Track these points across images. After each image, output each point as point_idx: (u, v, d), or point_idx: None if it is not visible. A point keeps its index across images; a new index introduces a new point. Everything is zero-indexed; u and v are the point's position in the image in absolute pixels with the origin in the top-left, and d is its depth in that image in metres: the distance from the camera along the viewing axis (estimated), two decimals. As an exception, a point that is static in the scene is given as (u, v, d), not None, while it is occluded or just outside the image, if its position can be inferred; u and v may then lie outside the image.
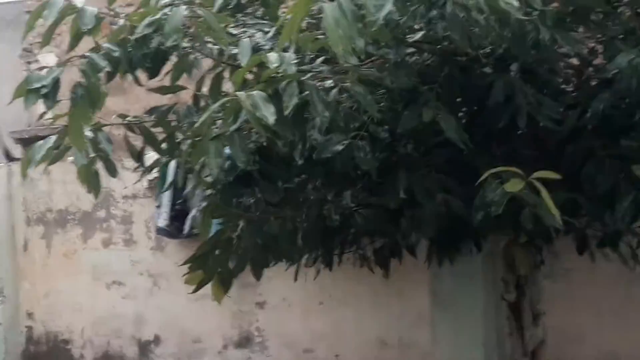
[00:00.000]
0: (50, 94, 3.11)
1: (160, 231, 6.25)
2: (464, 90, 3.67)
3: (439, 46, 3.55)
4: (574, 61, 3.88)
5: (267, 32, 3.56)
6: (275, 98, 2.89)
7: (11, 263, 6.92)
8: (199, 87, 3.90)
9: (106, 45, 3.22)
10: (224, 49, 3.44)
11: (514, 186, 3.10)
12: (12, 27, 6.72)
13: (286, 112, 2.89)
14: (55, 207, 6.84)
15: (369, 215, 3.83)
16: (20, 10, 6.61)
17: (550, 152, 3.76)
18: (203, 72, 3.74)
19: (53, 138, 3.51)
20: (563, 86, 3.92)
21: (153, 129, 3.91)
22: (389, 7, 2.76)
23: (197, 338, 6.29)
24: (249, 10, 3.94)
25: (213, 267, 4.04)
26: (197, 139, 3.30)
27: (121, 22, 3.40)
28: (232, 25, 3.49)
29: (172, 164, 5.20)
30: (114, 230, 6.65)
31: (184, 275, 4.13)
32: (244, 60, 3.09)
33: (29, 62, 6.93)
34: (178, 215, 6.07)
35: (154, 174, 4.48)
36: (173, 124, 3.87)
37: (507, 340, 4.63)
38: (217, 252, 4.03)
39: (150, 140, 3.89)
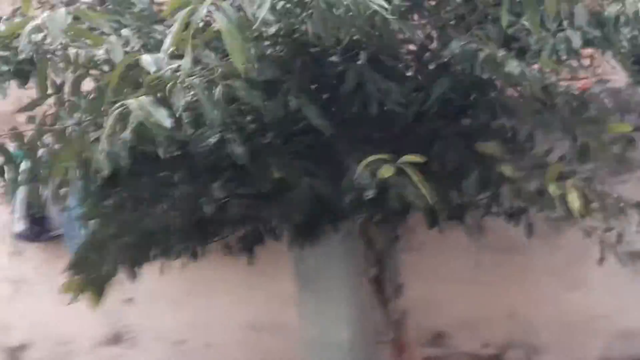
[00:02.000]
0: None
1: (18, 236, 6.16)
2: (317, 79, 3.88)
3: (290, 38, 3.75)
4: (412, 47, 4.12)
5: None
6: (162, 101, 3.00)
7: None
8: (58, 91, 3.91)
9: None
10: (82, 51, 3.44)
11: (387, 172, 3.37)
12: None
13: (177, 114, 3.00)
14: None
15: (241, 204, 3.97)
16: None
17: (399, 134, 4.02)
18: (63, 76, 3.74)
19: None
20: (405, 72, 4.17)
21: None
22: (266, 7, 2.92)
23: (66, 340, 6.22)
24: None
25: (89, 272, 4.06)
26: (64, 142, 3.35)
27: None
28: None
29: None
30: (-33, 239, 6.49)
31: (64, 283, 4.10)
32: (117, 59, 3.15)
33: None
34: (38, 218, 6.02)
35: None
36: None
37: (371, 314, 4.84)
38: (91, 256, 4.07)
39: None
